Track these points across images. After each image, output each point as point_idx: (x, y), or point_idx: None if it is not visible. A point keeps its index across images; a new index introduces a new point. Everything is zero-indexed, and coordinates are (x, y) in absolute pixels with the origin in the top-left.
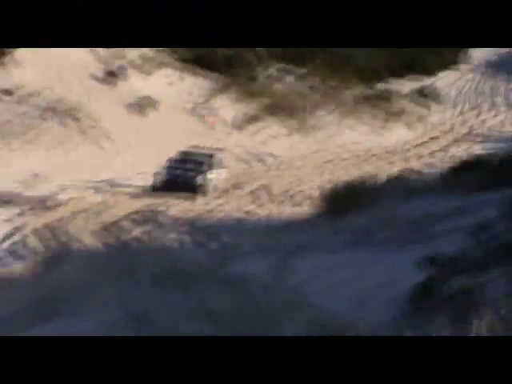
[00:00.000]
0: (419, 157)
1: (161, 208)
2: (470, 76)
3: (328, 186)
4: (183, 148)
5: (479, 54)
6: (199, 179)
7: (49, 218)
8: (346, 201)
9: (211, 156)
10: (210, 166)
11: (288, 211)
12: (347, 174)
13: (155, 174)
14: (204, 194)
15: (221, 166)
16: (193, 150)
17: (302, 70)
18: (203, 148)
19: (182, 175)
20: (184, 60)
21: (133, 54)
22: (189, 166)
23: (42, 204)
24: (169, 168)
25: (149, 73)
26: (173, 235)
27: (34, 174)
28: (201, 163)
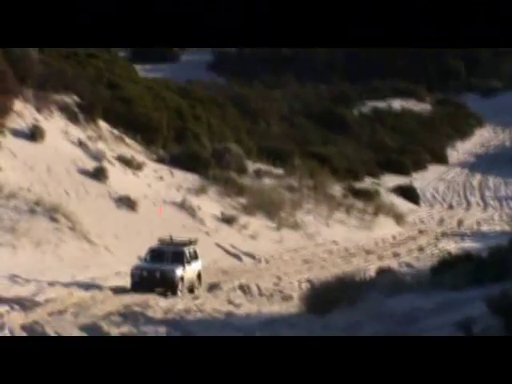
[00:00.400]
0: (403, 253)
1: (141, 307)
2: (446, 176)
3: (309, 283)
4: (159, 240)
5: (456, 155)
6: (178, 272)
7: (29, 318)
8: (332, 297)
9: (186, 248)
10: (187, 258)
11: (269, 310)
12: (328, 271)
13: (133, 269)
14: (182, 288)
15: (196, 257)
16: (167, 242)
17: (279, 171)
18: (176, 239)
19: (160, 269)
20: (161, 161)
21: (115, 152)
22: (166, 258)
23: (22, 304)
24: (146, 262)
25: (134, 169)
26: (154, 335)
27: (13, 273)
28: (177, 255)
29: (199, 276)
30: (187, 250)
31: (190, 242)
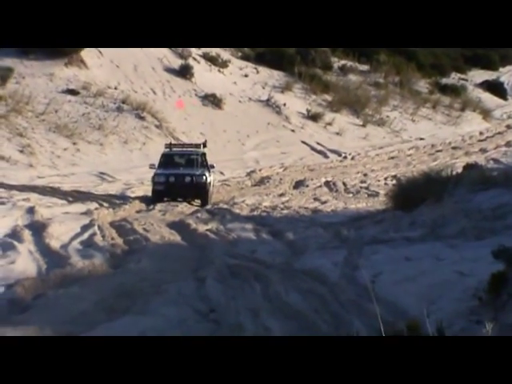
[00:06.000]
0: (490, 149)
1: (228, 205)
2: None
3: (396, 180)
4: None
5: None
6: (208, 176)
7: (118, 215)
8: (419, 193)
9: (202, 152)
10: (206, 163)
11: (355, 206)
12: (415, 168)
13: (156, 176)
14: (209, 193)
15: (208, 162)
16: (178, 146)
17: (364, 67)
18: (183, 143)
19: (190, 174)
20: (247, 58)
21: (200, 50)
22: (186, 162)
23: (112, 201)
24: (168, 167)
25: (220, 67)
26: (241, 232)
27: (101, 171)
28: (197, 159)
29: (212, 184)
30: (204, 152)
31: (203, 145)
